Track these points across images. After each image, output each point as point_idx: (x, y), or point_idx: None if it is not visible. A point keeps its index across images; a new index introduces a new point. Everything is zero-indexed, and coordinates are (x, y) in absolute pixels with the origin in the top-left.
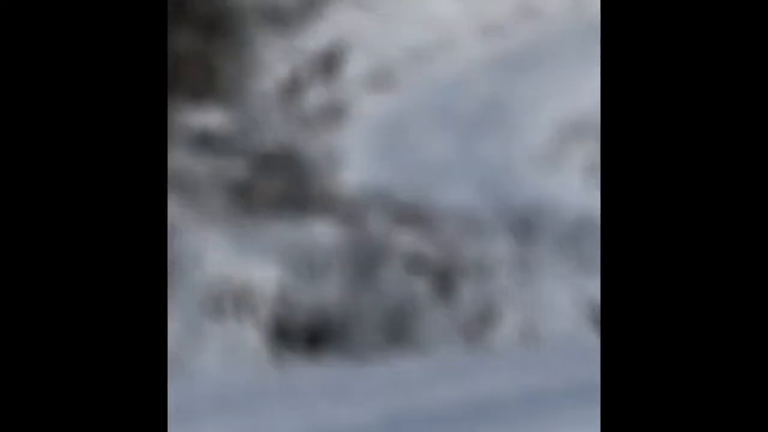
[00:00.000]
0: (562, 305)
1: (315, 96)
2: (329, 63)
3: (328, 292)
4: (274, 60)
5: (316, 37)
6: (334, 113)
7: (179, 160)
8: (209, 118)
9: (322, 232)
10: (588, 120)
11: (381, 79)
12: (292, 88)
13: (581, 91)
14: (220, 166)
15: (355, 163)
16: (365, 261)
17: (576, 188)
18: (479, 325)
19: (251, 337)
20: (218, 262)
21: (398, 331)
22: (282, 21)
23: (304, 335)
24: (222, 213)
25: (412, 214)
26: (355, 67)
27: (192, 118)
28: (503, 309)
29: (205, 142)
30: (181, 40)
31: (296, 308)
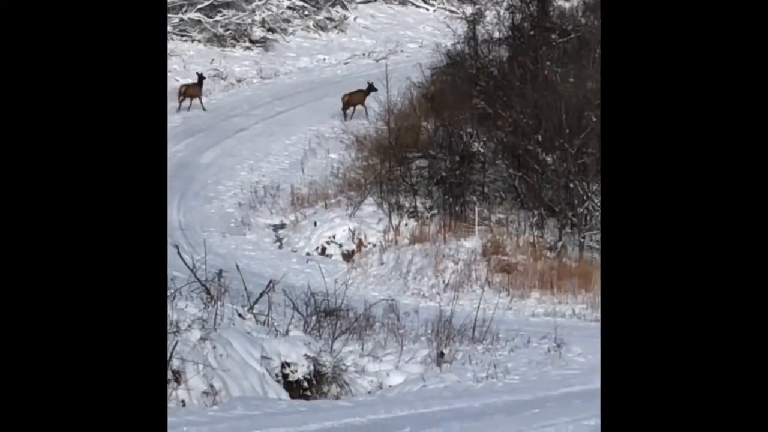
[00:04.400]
0: (250, 364)
1: None
2: None
3: None
4: None
5: None
6: None
7: None
8: None
9: None
10: (275, 184)
11: None
12: None
13: (269, 157)
14: None
15: None
16: None
17: (264, 249)
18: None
19: None
20: None
21: None
22: None
23: None
24: None
25: None
26: None
27: None
28: (190, 368)
29: None
30: None
31: None
